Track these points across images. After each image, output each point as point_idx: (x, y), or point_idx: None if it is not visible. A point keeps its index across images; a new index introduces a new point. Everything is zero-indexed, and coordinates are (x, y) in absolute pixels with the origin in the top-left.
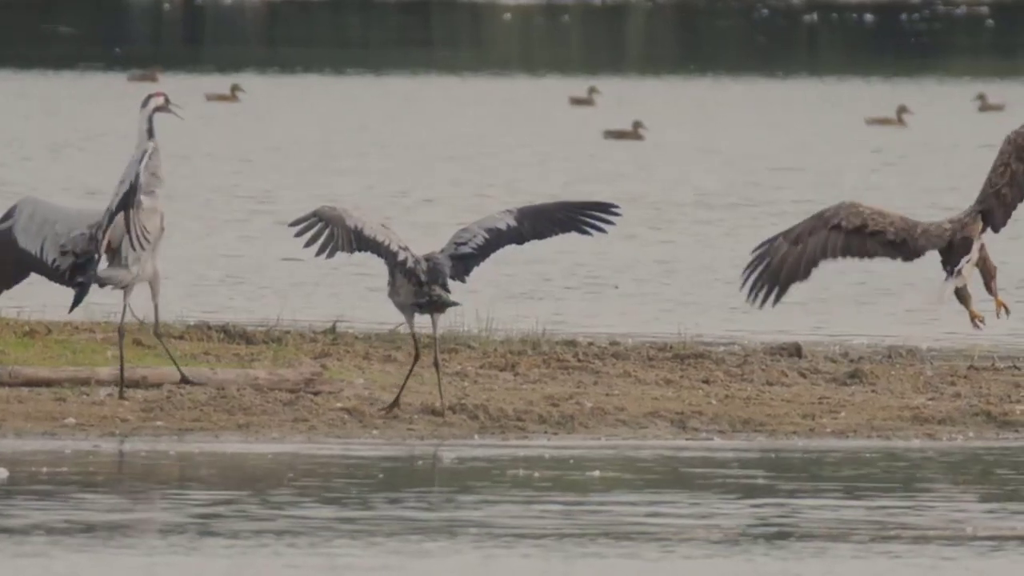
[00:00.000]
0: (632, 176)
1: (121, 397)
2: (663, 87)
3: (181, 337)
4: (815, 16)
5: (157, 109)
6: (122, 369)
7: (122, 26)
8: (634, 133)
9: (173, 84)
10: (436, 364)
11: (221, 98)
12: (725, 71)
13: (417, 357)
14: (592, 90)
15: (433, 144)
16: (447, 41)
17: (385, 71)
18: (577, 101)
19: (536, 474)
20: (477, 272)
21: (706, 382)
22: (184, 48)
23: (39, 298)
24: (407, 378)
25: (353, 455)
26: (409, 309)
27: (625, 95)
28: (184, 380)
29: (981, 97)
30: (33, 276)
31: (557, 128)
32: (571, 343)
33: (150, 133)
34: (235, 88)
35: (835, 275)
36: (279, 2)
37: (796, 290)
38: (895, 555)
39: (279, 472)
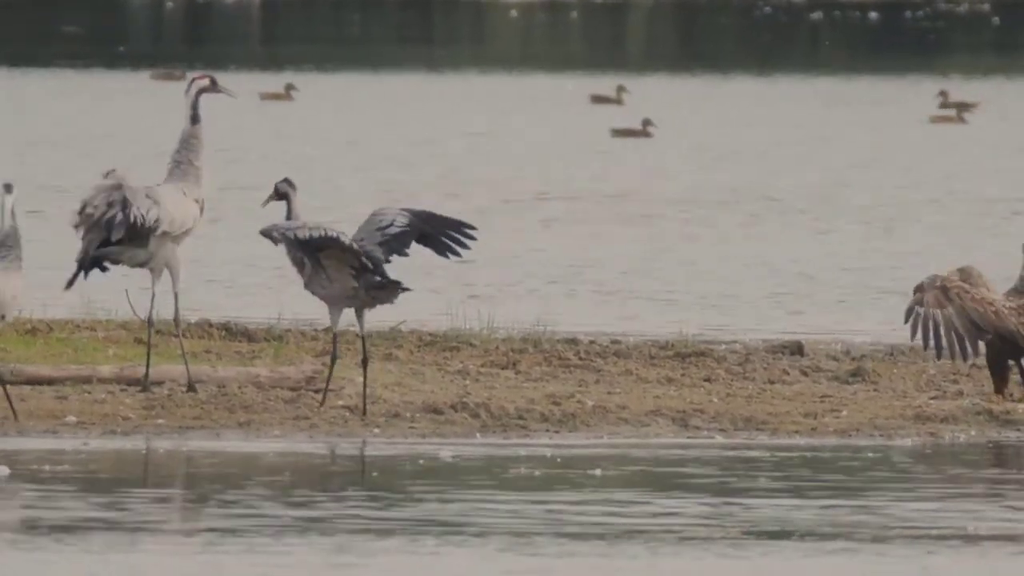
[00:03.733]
0: (636, 173)
1: (145, 390)
2: (683, 85)
3: (183, 335)
4: (820, 14)
5: (202, 91)
6: (148, 363)
7: (126, 25)
8: (643, 131)
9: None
10: (364, 361)
11: (275, 96)
12: (735, 69)
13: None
14: (620, 88)
15: (447, 139)
16: (450, 38)
17: (385, 69)
18: (600, 99)
19: (537, 472)
20: (481, 271)
21: (708, 380)
22: (195, 47)
23: (40, 296)
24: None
25: (347, 454)
26: (345, 301)
27: (649, 93)
28: (191, 388)
29: (943, 94)
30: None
31: (569, 126)
32: (572, 341)
33: (194, 119)
34: (289, 87)
35: (836, 274)
36: (280, 1)
37: (798, 287)
38: (895, 554)
39: (281, 469)
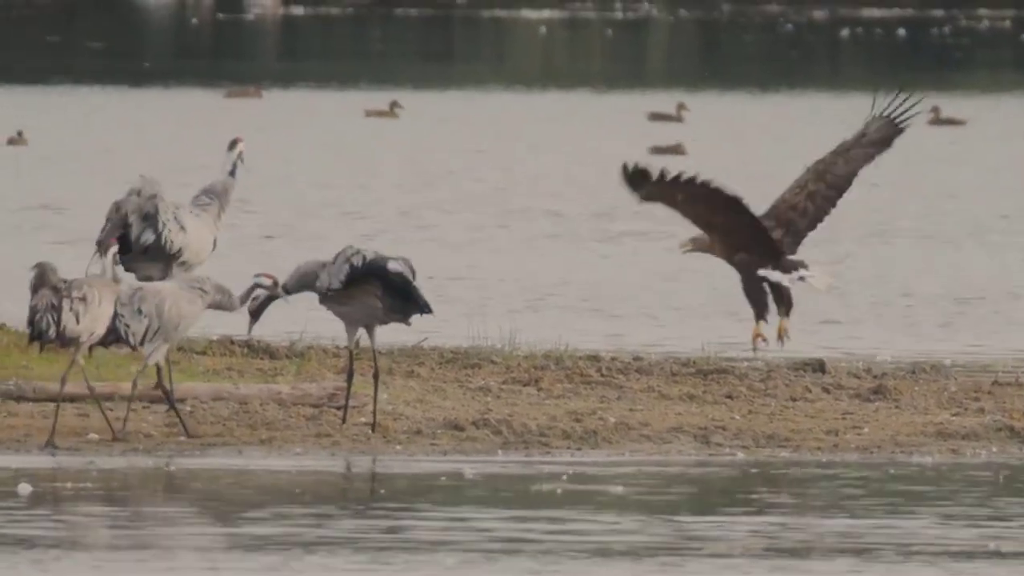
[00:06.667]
0: None
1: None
2: (732, 102)
3: (204, 352)
4: (847, 31)
5: (240, 156)
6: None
7: (150, 41)
8: (677, 148)
9: (315, 99)
10: (376, 375)
11: (380, 114)
12: (764, 85)
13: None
14: (681, 107)
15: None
16: (476, 55)
17: (406, 86)
18: (659, 116)
19: (559, 490)
20: (499, 288)
21: (730, 397)
22: (219, 62)
23: None
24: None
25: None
26: (363, 320)
27: (707, 111)
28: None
29: (934, 110)
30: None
31: (607, 142)
32: (594, 358)
33: (232, 173)
34: (394, 104)
35: (859, 289)
36: (303, 15)
37: (820, 305)
38: (917, 571)
39: (302, 486)
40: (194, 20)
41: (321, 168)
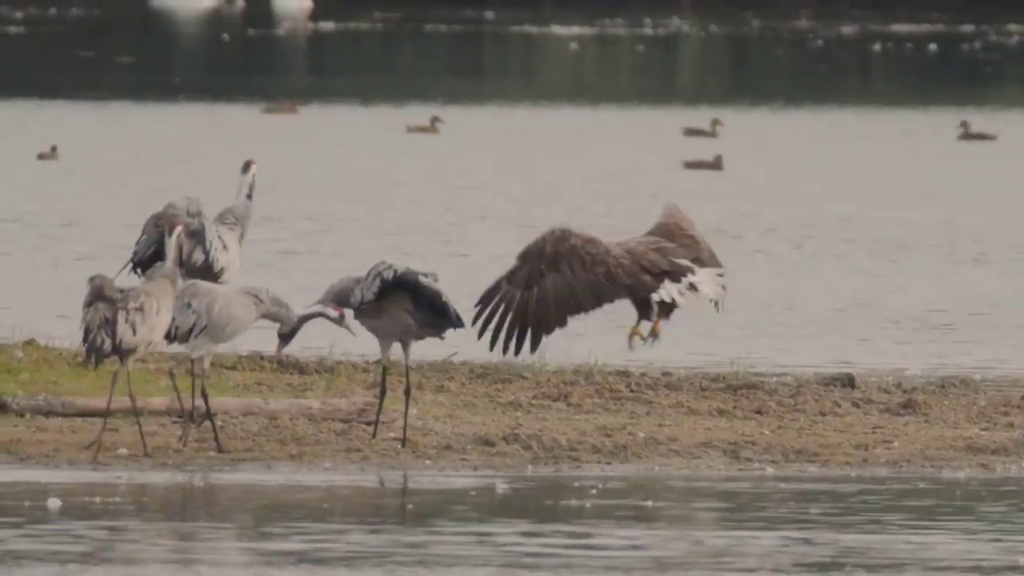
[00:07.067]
0: (705, 205)
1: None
2: (764, 117)
3: (234, 367)
4: (878, 46)
5: (254, 178)
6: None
7: (178, 55)
8: (714, 163)
9: (351, 115)
10: (407, 391)
11: (422, 129)
12: (799, 101)
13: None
14: (715, 122)
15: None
16: (506, 71)
17: (435, 101)
18: (694, 132)
19: (588, 504)
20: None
21: (759, 412)
22: (249, 77)
23: None
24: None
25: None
26: (396, 335)
27: (741, 126)
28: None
29: (964, 125)
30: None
31: (643, 157)
32: (624, 373)
33: (249, 196)
34: (435, 120)
35: (885, 304)
36: (333, 30)
37: (849, 320)
38: None
39: (331, 501)
40: (225, 36)
41: (376, 184)
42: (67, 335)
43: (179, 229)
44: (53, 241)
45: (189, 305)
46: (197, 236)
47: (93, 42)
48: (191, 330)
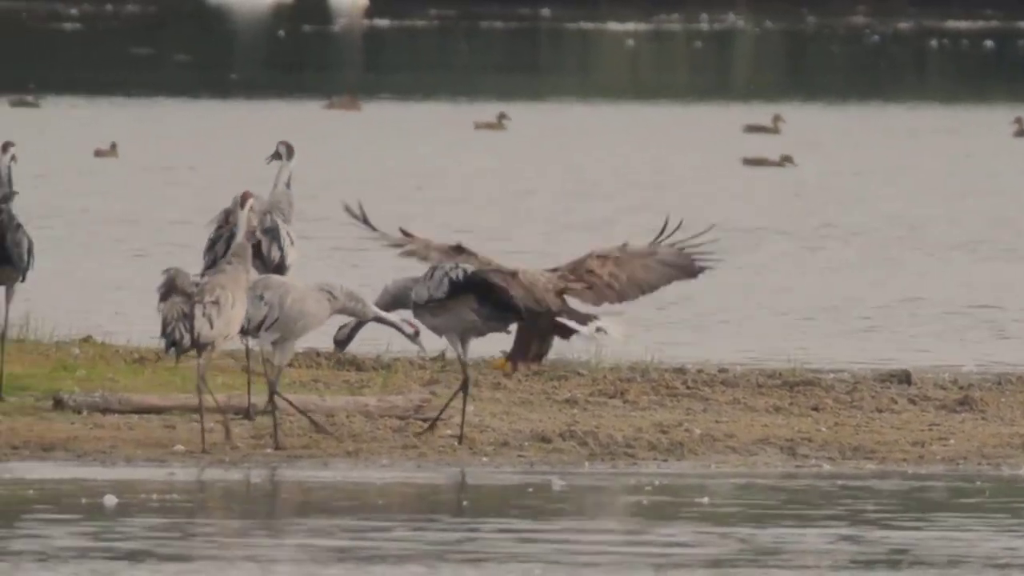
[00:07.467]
0: (766, 204)
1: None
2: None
3: (290, 364)
4: (934, 42)
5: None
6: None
7: (234, 51)
8: (777, 162)
9: (411, 110)
10: (465, 386)
11: (490, 126)
12: (859, 97)
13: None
14: (777, 118)
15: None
16: (560, 67)
17: (493, 97)
18: (755, 128)
19: (645, 501)
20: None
21: (816, 409)
22: (305, 73)
23: (148, 327)
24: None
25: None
26: (458, 331)
27: (800, 122)
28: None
29: (1018, 121)
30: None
31: (702, 154)
32: (680, 370)
33: (288, 184)
34: (502, 116)
35: (943, 301)
36: (388, 27)
37: (906, 317)
38: None
39: (387, 497)
40: (281, 32)
41: (448, 181)
42: (124, 332)
43: (251, 201)
44: (111, 238)
45: (261, 297)
46: (272, 233)
47: (148, 38)
48: (262, 323)
